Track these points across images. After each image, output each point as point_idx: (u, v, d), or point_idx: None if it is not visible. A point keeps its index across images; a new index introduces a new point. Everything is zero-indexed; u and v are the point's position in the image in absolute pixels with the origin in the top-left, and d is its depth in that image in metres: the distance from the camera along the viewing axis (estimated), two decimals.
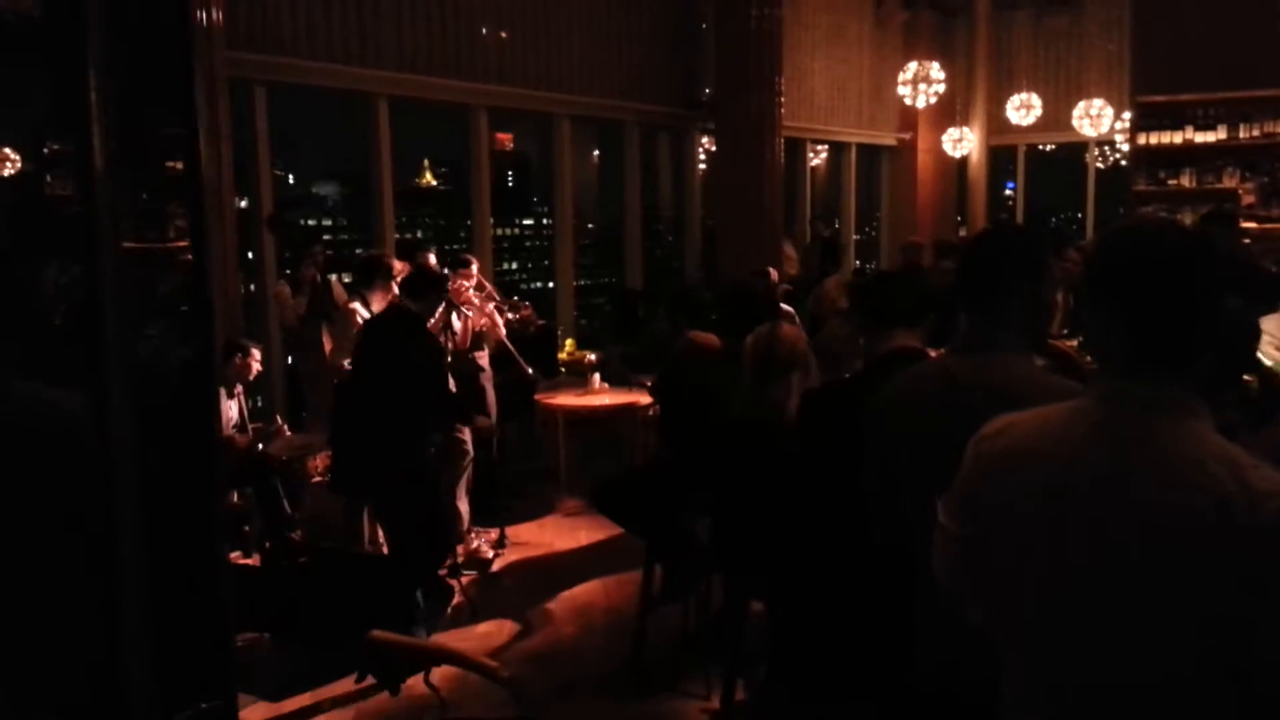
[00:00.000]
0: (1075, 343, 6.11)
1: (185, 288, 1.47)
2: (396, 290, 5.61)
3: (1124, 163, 14.62)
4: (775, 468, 2.89)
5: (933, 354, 2.72)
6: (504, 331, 6.27)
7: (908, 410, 2.09)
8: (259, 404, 6.94)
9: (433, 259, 5.99)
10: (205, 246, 1.31)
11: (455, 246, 18.59)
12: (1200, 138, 8.81)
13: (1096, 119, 11.00)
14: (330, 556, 4.90)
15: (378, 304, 5.57)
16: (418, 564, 4.60)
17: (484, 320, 6.12)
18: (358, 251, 10.66)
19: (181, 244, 1.41)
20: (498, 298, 6.37)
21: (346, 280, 6.93)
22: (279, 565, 4.86)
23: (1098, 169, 13.83)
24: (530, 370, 6.70)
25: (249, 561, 5.14)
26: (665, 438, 4.55)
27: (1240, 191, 8.18)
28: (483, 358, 6.25)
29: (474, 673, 2.28)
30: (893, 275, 2.82)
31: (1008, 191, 15.85)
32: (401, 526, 4.70)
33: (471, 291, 6.15)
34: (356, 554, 4.99)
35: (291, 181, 21.36)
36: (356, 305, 5.65)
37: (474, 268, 6.26)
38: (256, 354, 5.73)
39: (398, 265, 5.76)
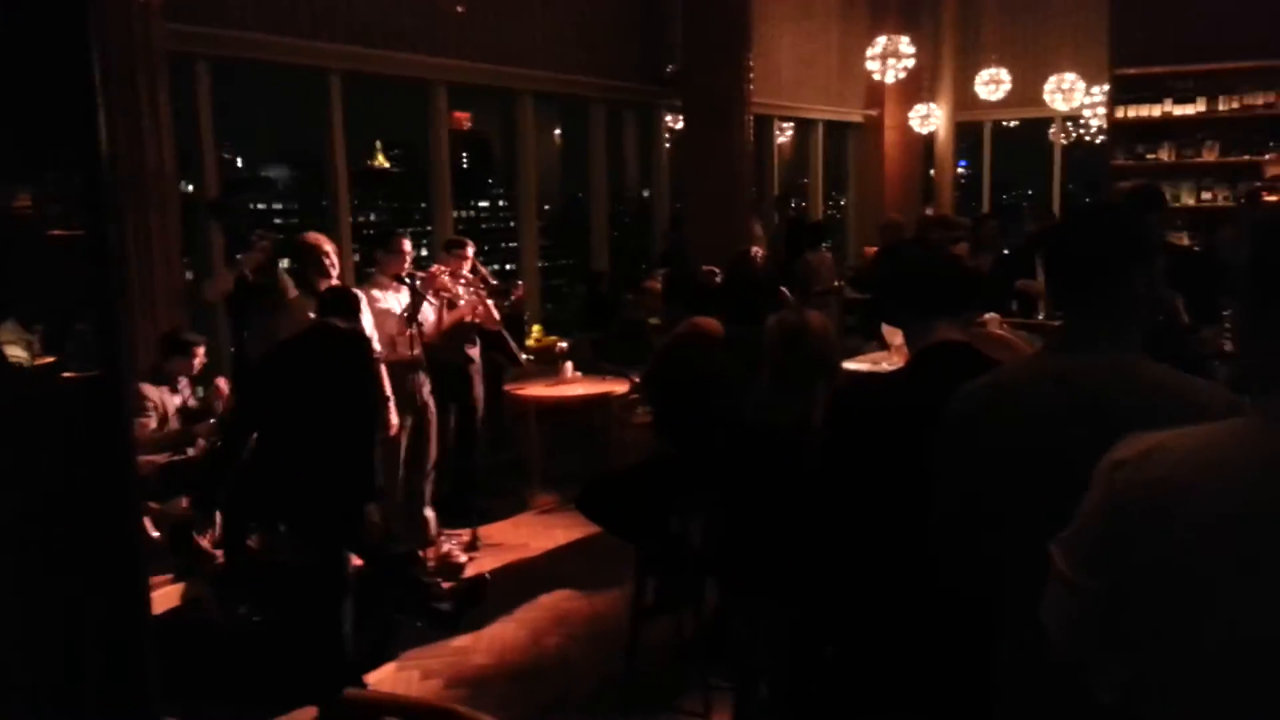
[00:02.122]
0: None
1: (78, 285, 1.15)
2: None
3: (1088, 138, 14.54)
4: (801, 486, 2.56)
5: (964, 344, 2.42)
6: (499, 318, 5.86)
7: (1006, 421, 1.76)
8: (201, 393, 6.52)
9: (408, 245, 5.51)
10: (106, 238, 0.98)
11: (412, 229, 18.09)
12: (1179, 110, 8.63)
13: (1068, 93, 10.83)
14: (288, 572, 4.51)
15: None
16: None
17: (478, 308, 5.69)
18: None
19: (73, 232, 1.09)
20: (493, 282, 5.94)
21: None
22: (223, 621, 4.42)
23: (1062, 145, 13.69)
24: (520, 358, 6.38)
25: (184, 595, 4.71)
26: (661, 432, 4.21)
27: (1265, 162, 7.94)
28: (473, 349, 5.87)
29: None
30: (930, 258, 2.50)
31: (959, 170, 15.69)
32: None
33: (466, 275, 5.73)
34: (316, 570, 4.59)
35: (240, 164, 20.70)
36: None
37: (469, 249, 5.84)
38: (200, 351, 5.30)
39: (328, 247, 5.26)
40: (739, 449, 2.99)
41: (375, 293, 5.32)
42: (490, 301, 5.77)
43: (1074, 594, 1.33)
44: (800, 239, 11.14)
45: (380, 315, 5.25)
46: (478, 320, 5.72)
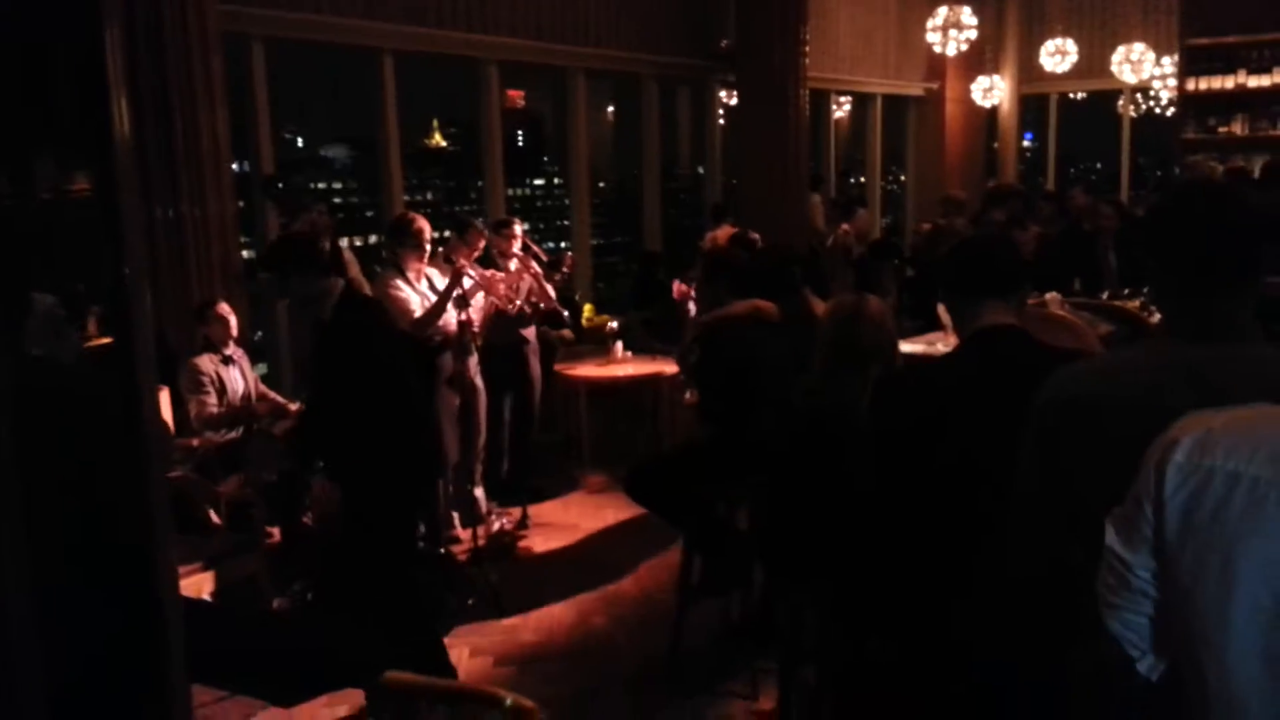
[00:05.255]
0: (1137, 303, 5.74)
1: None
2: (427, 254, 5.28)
3: (1158, 111, 14.08)
4: (848, 476, 2.49)
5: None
6: (555, 295, 5.90)
7: (1120, 413, 1.58)
8: (264, 369, 6.61)
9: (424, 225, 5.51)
10: (119, 213, 0.95)
11: (466, 208, 18.23)
12: (1254, 82, 8.31)
13: (1137, 64, 10.48)
14: (343, 549, 4.54)
15: (412, 271, 5.22)
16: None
17: (532, 286, 5.72)
18: (367, 214, 10.29)
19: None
20: (545, 257, 5.95)
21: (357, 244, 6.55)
22: (277, 598, 4.48)
23: (1131, 118, 13.28)
24: (571, 334, 6.45)
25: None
26: (705, 415, 4.16)
27: None
28: (527, 330, 5.91)
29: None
30: (981, 239, 2.41)
31: (1025, 143, 15.32)
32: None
33: (517, 254, 5.73)
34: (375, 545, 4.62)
35: (301, 144, 20.98)
36: (396, 281, 5.18)
37: (517, 227, 5.85)
38: (221, 308, 5.29)
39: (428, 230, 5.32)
40: (786, 433, 2.92)
41: (409, 276, 5.33)
42: (543, 277, 5.80)
43: (1123, 568, 1.31)
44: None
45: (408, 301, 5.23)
46: (534, 300, 5.74)
